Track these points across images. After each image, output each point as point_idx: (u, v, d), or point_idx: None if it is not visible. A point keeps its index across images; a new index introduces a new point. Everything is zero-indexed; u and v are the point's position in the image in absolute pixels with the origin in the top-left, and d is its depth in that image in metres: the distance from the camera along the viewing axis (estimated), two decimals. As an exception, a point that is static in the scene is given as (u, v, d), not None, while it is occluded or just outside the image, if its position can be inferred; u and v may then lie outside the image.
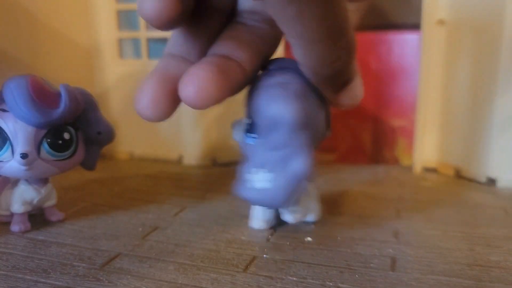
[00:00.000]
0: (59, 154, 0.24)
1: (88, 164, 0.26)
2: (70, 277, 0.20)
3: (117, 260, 0.21)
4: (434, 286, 0.19)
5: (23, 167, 0.23)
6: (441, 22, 0.34)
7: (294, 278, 0.20)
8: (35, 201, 0.25)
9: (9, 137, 0.23)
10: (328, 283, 0.19)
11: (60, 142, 0.24)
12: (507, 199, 0.30)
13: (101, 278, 0.20)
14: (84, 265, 0.21)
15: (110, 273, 0.20)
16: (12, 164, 0.23)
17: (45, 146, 0.23)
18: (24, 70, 0.35)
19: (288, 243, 0.23)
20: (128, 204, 0.30)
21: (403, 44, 0.38)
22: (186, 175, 0.37)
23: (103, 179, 0.36)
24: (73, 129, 0.24)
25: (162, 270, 0.20)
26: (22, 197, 0.25)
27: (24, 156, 0.22)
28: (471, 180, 0.34)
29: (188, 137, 0.40)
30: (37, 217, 0.26)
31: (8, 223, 0.25)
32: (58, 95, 0.23)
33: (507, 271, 0.20)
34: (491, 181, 0.33)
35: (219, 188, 0.34)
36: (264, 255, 0.22)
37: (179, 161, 0.41)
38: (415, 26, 0.36)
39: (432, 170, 0.37)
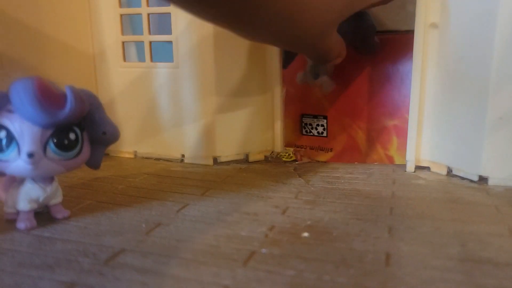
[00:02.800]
0: (65, 153, 0.24)
1: (93, 163, 0.27)
2: (75, 272, 0.20)
3: (121, 256, 0.22)
4: (427, 280, 0.19)
5: (30, 166, 0.23)
6: (433, 25, 0.34)
7: (292, 272, 0.20)
8: (40, 199, 0.26)
9: (15, 137, 0.23)
10: (324, 277, 0.20)
11: (66, 142, 0.24)
12: (498, 197, 0.30)
13: (106, 273, 0.20)
14: (88, 260, 0.21)
15: (114, 268, 0.21)
16: (19, 164, 0.23)
17: (51, 145, 0.24)
18: (30, 73, 0.36)
19: (285, 238, 0.24)
20: (131, 202, 0.30)
21: (397, 46, 0.38)
22: (188, 174, 0.38)
23: (107, 177, 0.36)
24: (78, 129, 0.25)
25: (165, 265, 0.21)
26: (28, 195, 0.25)
27: (30, 155, 0.23)
28: (463, 178, 0.34)
29: (190, 137, 0.40)
30: (42, 215, 0.27)
31: (14, 221, 0.26)
32: (64, 96, 0.24)
33: (499, 267, 0.20)
34: (483, 179, 0.33)
35: (220, 186, 0.34)
36: (263, 250, 0.22)
37: (181, 160, 0.42)
38: (409, 32, 0.37)
39: (425, 169, 0.37)
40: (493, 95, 0.31)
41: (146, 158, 0.43)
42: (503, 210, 0.28)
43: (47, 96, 0.23)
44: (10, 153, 0.23)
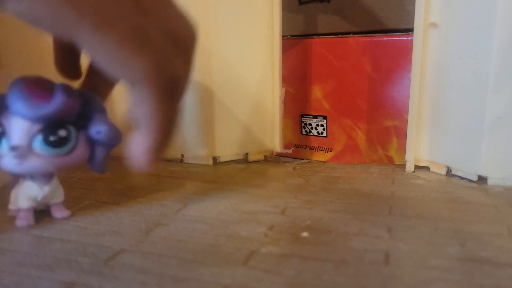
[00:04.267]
0: (53, 150, 0.24)
1: (96, 166, 0.26)
2: (75, 272, 0.20)
3: (121, 256, 0.22)
4: (426, 280, 0.19)
5: (15, 160, 0.23)
6: (433, 25, 0.34)
7: (291, 272, 0.20)
8: (39, 198, 0.26)
9: (5, 132, 0.23)
10: (324, 276, 0.20)
11: (54, 138, 0.24)
12: (497, 197, 0.30)
13: (105, 273, 0.20)
14: (88, 260, 0.21)
15: (114, 268, 0.21)
16: (8, 159, 0.23)
17: (39, 140, 0.23)
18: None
19: (285, 238, 0.24)
20: (131, 202, 0.30)
21: (397, 47, 0.38)
22: (188, 174, 0.38)
23: (107, 177, 0.36)
24: (73, 127, 0.24)
25: (165, 265, 0.21)
26: (27, 193, 0.25)
27: (13, 148, 0.23)
28: (462, 178, 0.35)
29: (189, 137, 0.40)
30: (42, 214, 0.27)
31: (13, 222, 0.26)
32: (54, 91, 0.23)
33: (498, 266, 0.20)
34: (482, 179, 0.33)
35: (220, 185, 0.34)
36: (262, 250, 0.23)
37: (181, 160, 0.42)
38: (408, 31, 0.37)
39: (425, 168, 0.38)
40: (492, 95, 0.31)
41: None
42: (502, 209, 0.28)
43: (33, 90, 0.23)
44: (2, 148, 0.23)
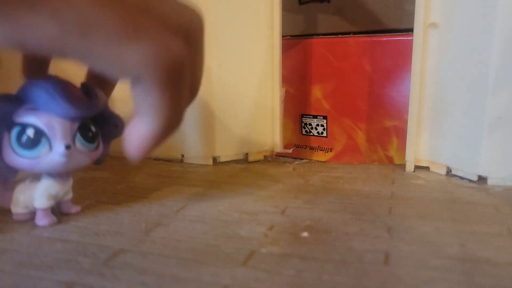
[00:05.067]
0: (90, 145, 0.25)
1: (100, 158, 0.28)
2: (75, 272, 0.20)
3: (120, 256, 0.22)
4: (426, 280, 0.19)
5: (65, 159, 0.24)
6: (433, 25, 0.34)
7: (291, 272, 0.20)
8: (60, 195, 0.26)
9: (45, 133, 0.23)
10: (324, 276, 0.20)
11: (90, 134, 0.25)
12: (497, 197, 0.30)
13: (105, 273, 0.20)
14: (88, 260, 0.22)
15: (114, 268, 0.21)
16: (52, 158, 0.24)
17: (79, 138, 0.25)
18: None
19: (285, 238, 0.24)
20: (131, 202, 0.30)
21: (397, 47, 0.38)
22: (188, 173, 0.38)
23: (107, 177, 0.36)
24: (94, 122, 0.26)
25: (165, 265, 0.21)
26: (47, 192, 0.25)
27: (68, 147, 0.24)
28: (462, 178, 0.35)
29: (189, 137, 0.40)
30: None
31: (25, 221, 0.26)
32: (83, 91, 0.25)
33: (498, 266, 0.20)
34: (482, 179, 0.33)
35: (220, 185, 0.34)
36: (262, 250, 0.23)
37: (181, 160, 0.42)
38: (408, 31, 0.37)
39: (425, 168, 0.37)
40: (492, 95, 0.31)
41: (146, 158, 0.43)
42: (502, 210, 0.28)
43: (71, 91, 0.24)
44: (41, 149, 0.24)
